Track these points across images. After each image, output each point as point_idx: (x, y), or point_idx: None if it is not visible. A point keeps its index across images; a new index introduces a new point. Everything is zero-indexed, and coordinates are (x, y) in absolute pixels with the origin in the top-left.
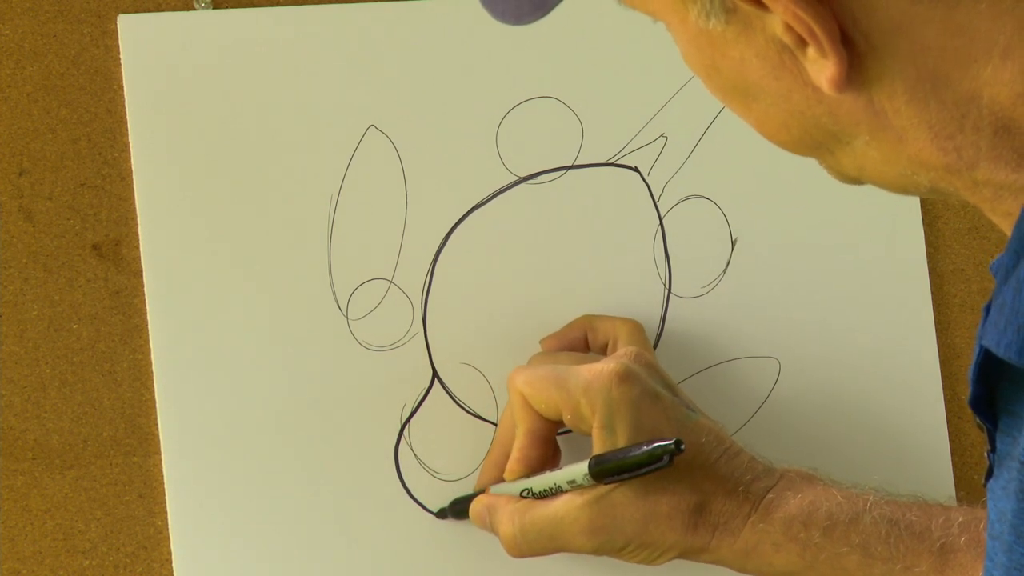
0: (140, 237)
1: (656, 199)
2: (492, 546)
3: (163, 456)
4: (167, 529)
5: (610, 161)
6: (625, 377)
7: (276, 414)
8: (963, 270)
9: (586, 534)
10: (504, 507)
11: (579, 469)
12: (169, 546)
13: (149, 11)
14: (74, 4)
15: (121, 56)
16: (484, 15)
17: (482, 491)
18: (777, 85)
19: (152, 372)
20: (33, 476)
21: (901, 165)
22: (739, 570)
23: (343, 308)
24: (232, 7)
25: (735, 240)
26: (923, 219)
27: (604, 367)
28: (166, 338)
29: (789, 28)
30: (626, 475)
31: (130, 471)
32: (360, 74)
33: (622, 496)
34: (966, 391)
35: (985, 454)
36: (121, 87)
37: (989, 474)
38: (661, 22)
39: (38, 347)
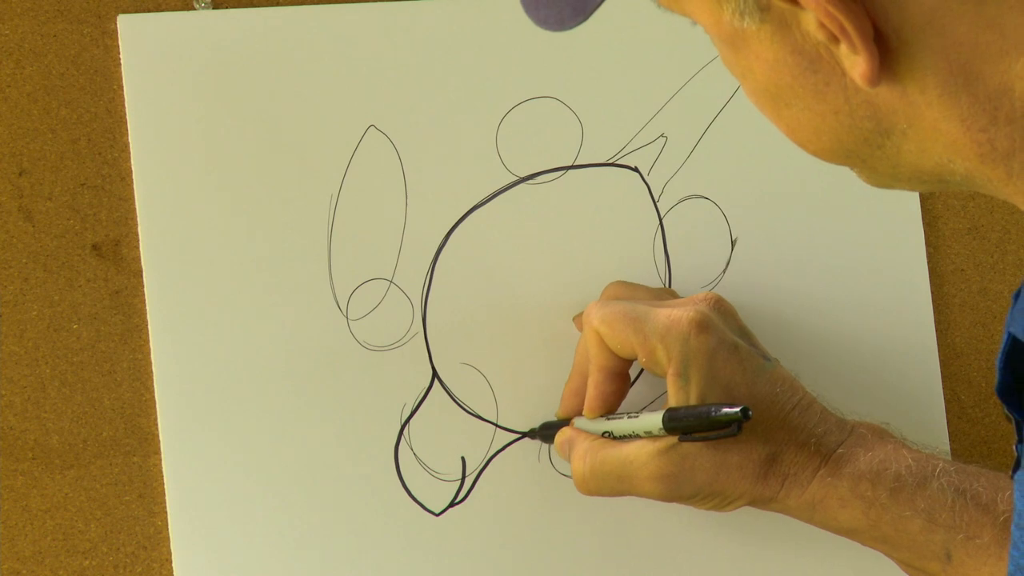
0: (140, 237)
1: (656, 199)
2: (491, 546)
3: (163, 456)
4: (167, 529)
5: (610, 161)
6: (704, 326)
7: (276, 414)
8: (963, 270)
9: (655, 480)
10: (581, 444)
11: (655, 420)
12: (169, 546)
13: (149, 11)
14: (74, 4)
15: (121, 56)
16: (484, 15)
17: (567, 421)
18: (814, 80)
19: (152, 372)
20: (33, 476)
21: (937, 154)
22: (805, 521)
23: (343, 308)
24: (232, 7)
25: (735, 240)
26: (923, 219)
27: (683, 314)
28: (166, 338)
29: (822, 25)
30: (697, 436)
31: (130, 471)
32: (360, 74)
33: (693, 446)
34: (966, 391)
35: (1013, 446)
36: (121, 87)
37: (1017, 465)
38: (700, 25)
39: (38, 347)
